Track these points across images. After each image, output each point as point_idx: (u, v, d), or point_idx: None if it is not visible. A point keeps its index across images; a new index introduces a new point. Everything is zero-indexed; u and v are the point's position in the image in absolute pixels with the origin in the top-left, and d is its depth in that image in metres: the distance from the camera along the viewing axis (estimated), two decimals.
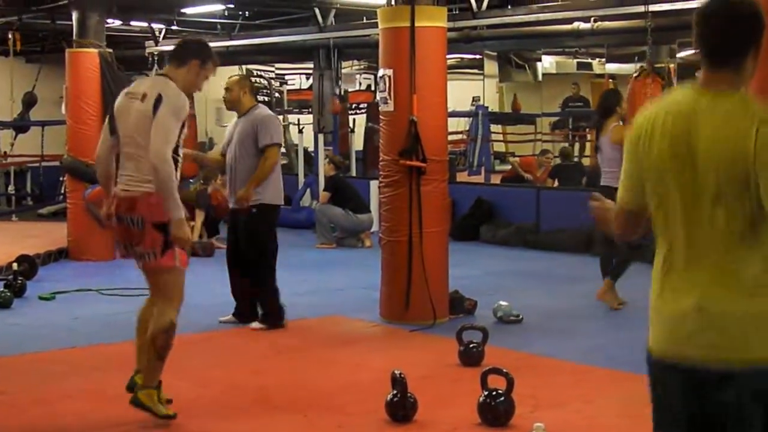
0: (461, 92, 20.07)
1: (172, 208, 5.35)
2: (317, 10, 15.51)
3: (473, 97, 21.94)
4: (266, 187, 7.91)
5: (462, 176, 17.39)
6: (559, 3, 12.28)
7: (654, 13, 10.88)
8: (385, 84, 8.28)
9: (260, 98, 16.47)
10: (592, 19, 11.79)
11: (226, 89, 8.10)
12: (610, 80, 16.71)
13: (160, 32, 17.03)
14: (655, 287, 2.98)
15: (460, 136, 20.29)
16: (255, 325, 8.05)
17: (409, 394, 5.62)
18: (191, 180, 13.51)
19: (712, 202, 2.82)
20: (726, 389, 2.80)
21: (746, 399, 2.79)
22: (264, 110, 8.16)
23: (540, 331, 8.07)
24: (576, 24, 12.16)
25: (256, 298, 8.14)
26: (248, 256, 8.04)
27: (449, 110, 8.76)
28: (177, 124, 5.44)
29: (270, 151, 7.90)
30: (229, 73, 13.00)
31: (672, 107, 2.94)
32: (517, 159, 18.00)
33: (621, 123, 8.64)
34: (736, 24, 2.85)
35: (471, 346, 6.85)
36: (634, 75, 11.10)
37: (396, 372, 5.64)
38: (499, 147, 20.64)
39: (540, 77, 21.27)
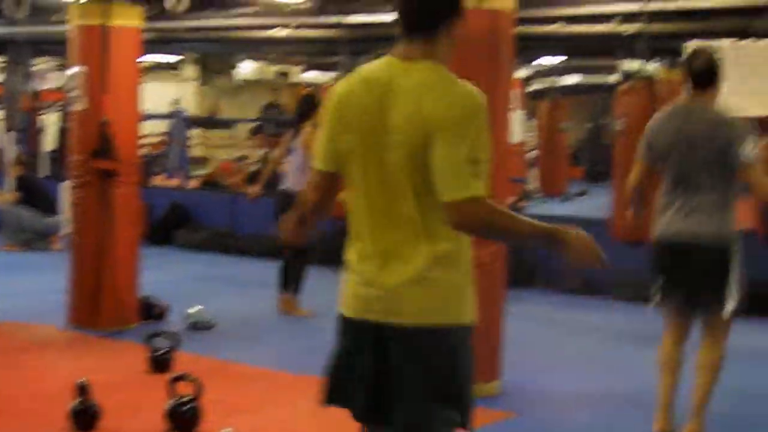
0: (161, 94, 19.75)
1: None
2: (8, 2, 14.79)
3: (173, 100, 21.65)
4: None
5: (159, 179, 17.12)
6: (259, 9, 12.30)
7: (350, 25, 11.10)
8: (76, 82, 8.01)
9: None
10: (291, 26, 11.89)
11: None
12: (308, 88, 16.94)
13: None
14: (350, 253, 3.10)
15: (158, 139, 19.96)
16: None
17: (92, 403, 5.46)
18: None
19: (401, 171, 2.93)
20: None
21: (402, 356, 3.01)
22: None
23: (233, 337, 8.04)
24: (274, 31, 12.23)
25: None
26: None
27: (147, 112, 8.58)
28: None
29: None
30: None
31: (368, 76, 3.04)
32: (216, 163, 17.91)
33: (314, 128, 8.72)
34: (428, 0, 3.01)
35: (161, 352, 6.73)
36: (331, 85, 11.29)
37: (80, 380, 5.47)
38: (198, 151, 20.47)
39: (240, 82, 21.27)
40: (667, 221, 5.31)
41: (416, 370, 2.98)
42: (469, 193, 2.83)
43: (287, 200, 8.59)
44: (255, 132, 20.90)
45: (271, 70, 20.12)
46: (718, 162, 5.15)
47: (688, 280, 5.29)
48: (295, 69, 19.60)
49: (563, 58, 18.29)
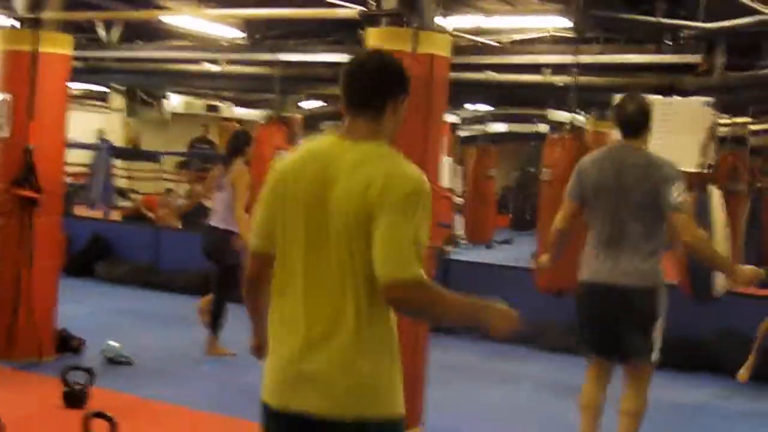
0: (87, 124, 19.50)
1: None
2: None
3: (98, 130, 21.39)
4: None
5: (81, 210, 16.84)
6: (191, 43, 12.22)
7: (283, 63, 11.08)
8: (1, 109, 7.86)
9: None
10: (223, 61, 11.84)
11: None
12: (237, 124, 16.85)
13: None
14: (274, 328, 3.02)
15: (81, 169, 19.66)
16: None
17: None
18: None
19: (341, 250, 2.87)
20: None
21: None
22: None
23: (153, 374, 7.89)
24: (205, 65, 12.16)
25: None
26: None
27: (72, 141, 8.44)
28: None
29: None
30: None
31: (312, 153, 3.00)
32: (140, 196, 17.70)
33: (245, 165, 8.67)
34: (375, 78, 2.99)
35: (76, 386, 6.58)
36: (262, 122, 11.25)
37: None
38: (122, 183, 20.21)
39: (167, 115, 21.07)
40: (595, 265, 5.33)
41: None
42: (410, 274, 2.77)
43: (214, 236, 8.56)
44: (182, 166, 20.72)
45: (200, 104, 19.98)
46: (647, 206, 5.19)
47: (613, 325, 5.30)
48: (225, 104, 19.49)
49: (490, 107, 18.52)
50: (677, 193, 5.15)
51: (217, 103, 19.79)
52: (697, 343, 8.92)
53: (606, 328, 5.35)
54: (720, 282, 8.35)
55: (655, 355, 5.29)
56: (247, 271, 3.18)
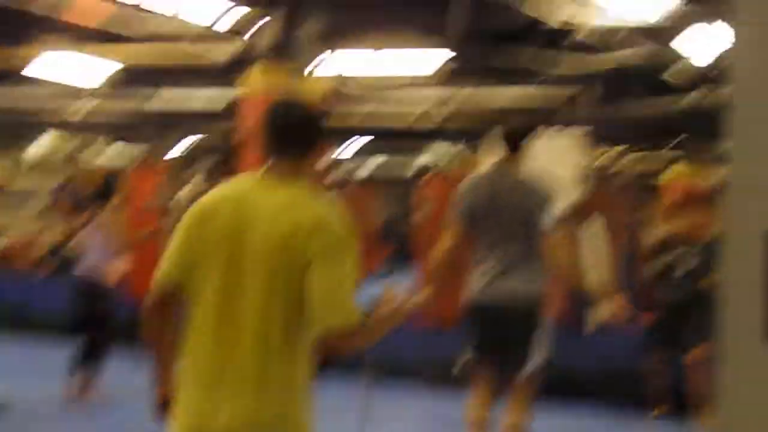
0: None
1: None
2: None
3: None
4: None
5: None
6: (61, 86, 11.98)
7: (159, 100, 10.91)
8: None
9: None
10: (93, 103, 11.60)
11: None
12: (104, 168, 16.55)
13: None
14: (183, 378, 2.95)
15: None
16: None
17: None
18: None
19: (260, 292, 2.85)
20: None
21: None
22: None
23: (28, 420, 7.69)
24: (77, 107, 11.88)
25: None
26: None
27: None
28: None
29: None
30: None
31: (234, 193, 2.98)
32: (6, 240, 17.15)
33: (116, 210, 8.64)
34: (302, 123, 3.03)
35: None
36: (135, 163, 11.04)
37: None
38: None
39: (35, 157, 20.59)
40: (480, 285, 5.40)
41: None
42: (351, 322, 2.81)
43: (86, 284, 8.43)
44: (49, 208, 20.19)
45: (68, 146, 19.62)
46: (524, 228, 5.28)
47: (498, 342, 5.40)
48: (94, 146, 19.15)
49: (371, 139, 18.58)
50: (551, 215, 5.27)
51: (84, 144, 19.44)
52: (570, 372, 8.99)
53: (492, 344, 5.45)
54: (597, 313, 8.51)
55: (531, 366, 5.39)
56: (148, 302, 3.07)
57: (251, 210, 2.89)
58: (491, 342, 5.43)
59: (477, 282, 5.43)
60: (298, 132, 3.02)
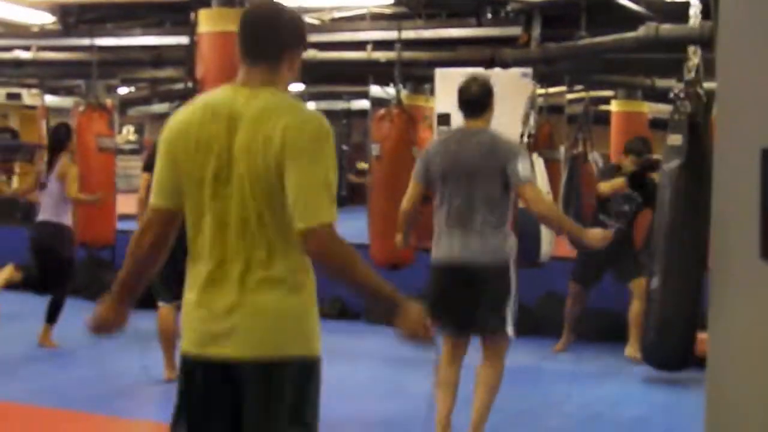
0: None
1: None
2: None
3: None
4: None
5: None
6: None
7: (99, 47, 10.77)
8: None
9: None
10: (34, 48, 11.39)
11: None
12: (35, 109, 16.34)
13: None
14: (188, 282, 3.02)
15: None
16: None
17: None
18: None
19: (246, 194, 2.88)
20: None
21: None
22: None
23: None
24: (15, 52, 11.68)
25: None
26: None
27: None
28: None
29: None
30: None
31: (210, 104, 2.98)
32: None
33: (70, 158, 8.54)
34: (274, 28, 3.01)
35: None
36: (80, 109, 10.93)
37: None
38: None
39: None
40: (445, 244, 5.45)
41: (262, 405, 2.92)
42: (324, 219, 2.82)
43: (47, 232, 8.41)
44: None
45: (0, 92, 19.23)
46: (492, 184, 5.32)
47: (465, 301, 5.40)
48: (30, 91, 18.78)
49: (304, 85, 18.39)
50: (523, 167, 5.31)
51: (19, 90, 19.08)
52: (521, 308, 9.16)
53: (460, 306, 5.46)
54: (545, 248, 8.68)
55: (510, 329, 5.44)
56: (141, 223, 3.13)
57: (231, 117, 2.91)
58: (457, 302, 5.44)
59: (442, 240, 5.48)
60: (270, 37, 3.00)
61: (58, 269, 8.46)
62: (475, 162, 5.36)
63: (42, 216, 8.55)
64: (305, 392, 2.97)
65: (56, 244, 8.42)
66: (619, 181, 8.39)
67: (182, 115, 3.04)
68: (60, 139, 8.66)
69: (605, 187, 8.48)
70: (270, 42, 2.99)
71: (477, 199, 5.36)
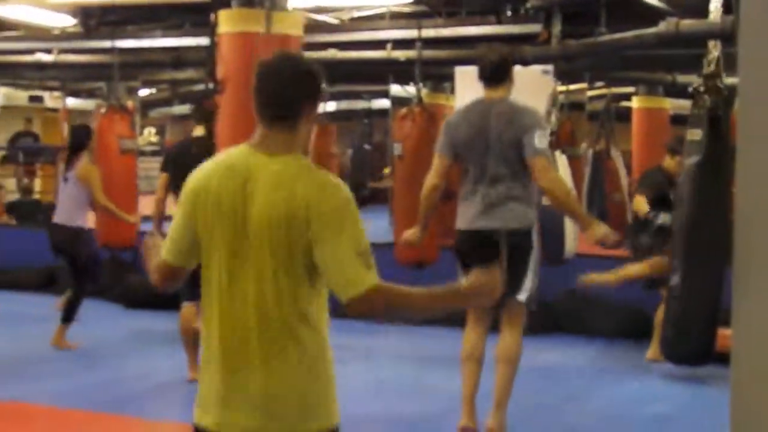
0: None
1: None
2: None
3: None
4: None
5: None
6: (21, 33, 11.78)
7: (120, 49, 10.82)
8: None
9: None
10: (56, 51, 11.46)
11: None
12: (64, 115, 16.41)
13: None
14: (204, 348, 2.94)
15: None
16: None
17: None
18: None
19: (264, 267, 2.79)
20: None
21: None
22: None
23: (10, 375, 7.60)
24: (37, 55, 11.74)
25: None
26: None
27: None
28: None
29: None
30: None
31: (228, 166, 2.89)
32: None
33: (90, 158, 8.57)
34: (292, 87, 2.87)
35: None
36: (101, 111, 10.97)
37: None
38: None
39: None
40: (468, 214, 5.50)
41: None
42: (365, 287, 2.74)
43: (64, 235, 8.43)
44: (3, 161, 19.99)
45: (23, 95, 19.32)
46: (512, 154, 5.34)
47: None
48: (52, 94, 18.87)
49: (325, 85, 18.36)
50: (539, 140, 5.33)
51: (41, 93, 19.17)
52: (545, 305, 9.15)
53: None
54: (569, 245, 8.64)
55: (524, 296, 5.50)
56: (154, 280, 3.09)
57: (249, 182, 2.81)
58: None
59: (466, 211, 5.53)
60: (288, 95, 2.87)
61: (77, 270, 8.50)
62: (495, 132, 5.39)
63: (58, 218, 8.57)
64: None
65: (72, 248, 8.45)
66: (641, 204, 8.14)
67: (201, 175, 2.94)
68: (81, 138, 8.63)
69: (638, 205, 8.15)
70: (288, 101, 2.87)
71: (499, 168, 5.40)
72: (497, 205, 5.41)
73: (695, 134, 7.25)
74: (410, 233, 5.77)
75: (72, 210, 8.44)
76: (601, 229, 5.38)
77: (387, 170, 19.65)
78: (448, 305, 2.96)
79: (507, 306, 5.52)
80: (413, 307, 2.84)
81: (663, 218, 7.86)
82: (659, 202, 7.95)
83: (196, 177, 2.94)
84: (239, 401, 2.83)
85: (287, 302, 2.79)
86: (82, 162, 8.46)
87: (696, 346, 7.40)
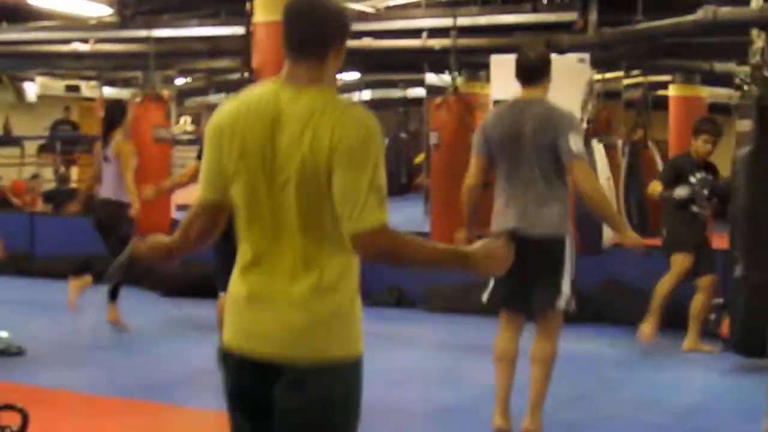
0: None
1: None
2: None
3: None
4: None
5: None
6: (58, 23, 11.86)
7: (155, 39, 10.87)
8: None
9: None
10: (92, 41, 11.54)
11: None
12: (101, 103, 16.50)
13: None
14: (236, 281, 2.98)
15: None
16: None
17: None
18: None
19: (292, 197, 2.81)
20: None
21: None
22: None
23: (48, 363, 7.69)
24: (74, 45, 11.83)
25: None
26: None
27: None
28: None
29: None
30: None
31: (255, 100, 2.91)
32: (7, 183, 17.18)
33: (124, 135, 8.77)
34: (321, 24, 2.89)
35: None
36: (137, 100, 11.03)
37: None
38: None
39: (30, 98, 20.48)
40: (503, 216, 5.43)
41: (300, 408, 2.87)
42: (374, 223, 2.74)
43: (107, 209, 8.56)
44: (42, 150, 20.15)
45: (60, 85, 19.48)
46: (547, 156, 5.28)
47: (522, 275, 5.19)
48: (89, 84, 19.00)
49: (359, 74, 18.42)
50: (575, 143, 5.25)
51: (78, 83, 19.31)
52: (582, 294, 9.08)
53: (515, 277, 5.36)
54: (607, 234, 8.59)
55: (562, 303, 5.39)
56: (190, 213, 3.08)
57: (277, 116, 2.83)
58: (514, 276, 5.39)
59: (500, 212, 5.47)
60: (316, 32, 2.89)
61: (118, 246, 8.56)
62: (531, 134, 5.30)
63: (104, 193, 8.80)
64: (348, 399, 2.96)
65: (116, 221, 8.60)
66: (654, 186, 8.10)
67: (227, 110, 2.97)
68: (114, 116, 8.86)
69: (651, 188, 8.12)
70: (316, 38, 2.89)
71: (534, 171, 5.32)
72: (531, 209, 5.33)
73: (744, 125, 7.21)
74: (459, 237, 5.70)
75: (117, 186, 8.65)
76: (633, 239, 5.40)
77: (420, 158, 19.66)
78: (453, 265, 2.91)
79: (542, 313, 5.47)
80: (418, 257, 2.82)
81: (678, 192, 7.85)
82: (676, 182, 7.97)
83: (222, 114, 2.96)
84: (266, 323, 2.86)
85: (313, 231, 2.81)
86: (116, 139, 8.70)
87: (764, 338, 7.31)
